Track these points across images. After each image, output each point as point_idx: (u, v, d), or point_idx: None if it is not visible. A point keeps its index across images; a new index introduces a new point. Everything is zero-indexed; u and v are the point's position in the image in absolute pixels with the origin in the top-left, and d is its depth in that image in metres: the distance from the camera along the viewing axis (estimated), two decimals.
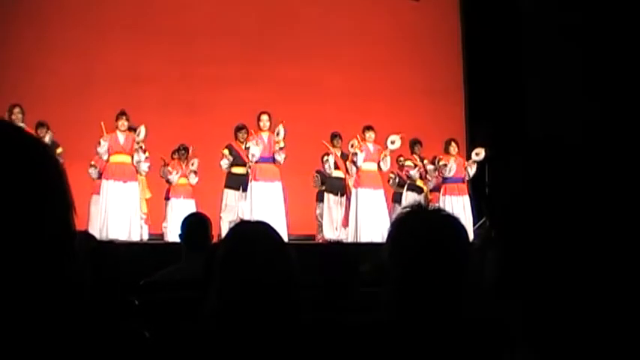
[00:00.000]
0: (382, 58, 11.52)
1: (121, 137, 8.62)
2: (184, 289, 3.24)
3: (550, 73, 9.97)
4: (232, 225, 2.01)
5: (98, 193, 8.90)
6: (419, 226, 1.64)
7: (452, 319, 1.56)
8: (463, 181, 9.58)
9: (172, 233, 8.51)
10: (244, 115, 10.18)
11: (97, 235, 8.01)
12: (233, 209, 8.89)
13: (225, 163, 9.05)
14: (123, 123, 8.58)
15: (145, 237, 8.94)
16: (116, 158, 8.57)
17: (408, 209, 1.72)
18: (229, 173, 9.17)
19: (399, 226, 1.67)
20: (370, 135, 9.18)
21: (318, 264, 2.91)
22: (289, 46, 11.07)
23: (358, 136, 9.21)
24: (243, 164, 8.94)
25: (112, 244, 6.16)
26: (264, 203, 8.44)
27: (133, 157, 8.57)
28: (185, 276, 3.70)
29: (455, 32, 12.13)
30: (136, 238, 8.44)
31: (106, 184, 8.50)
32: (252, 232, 1.85)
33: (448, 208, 8.88)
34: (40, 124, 8.47)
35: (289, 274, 1.75)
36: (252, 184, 8.64)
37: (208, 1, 11.00)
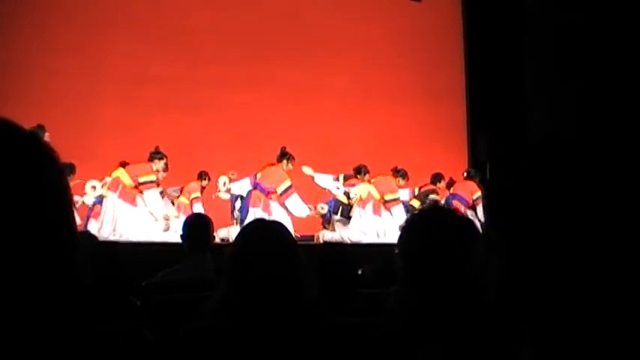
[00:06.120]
0: (384, 60, 11.51)
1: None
2: (186, 290, 3.25)
3: (552, 73, 9.96)
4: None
5: (96, 218, 8.73)
6: (428, 227, 1.64)
7: (456, 317, 1.56)
8: (468, 206, 9.31)
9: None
10: (246, 116, 10.21)
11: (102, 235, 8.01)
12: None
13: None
14: (163, 166, 8.54)
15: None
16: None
17: (422, 208, 1.72)
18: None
19: (410, 226, 1.68)
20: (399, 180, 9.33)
21: (318, 264, 2.92)
22: (291, 48, 11.06)
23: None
24: None
25: (114, 244, 6.16)
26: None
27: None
28: (187, 276, 3.70)
29: (457, 34, 12.11)
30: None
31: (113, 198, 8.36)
32: (262, 230, 1.85)
33: None
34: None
35: (297, 273, 1.75)
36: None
37: (211, 2, 10.99)
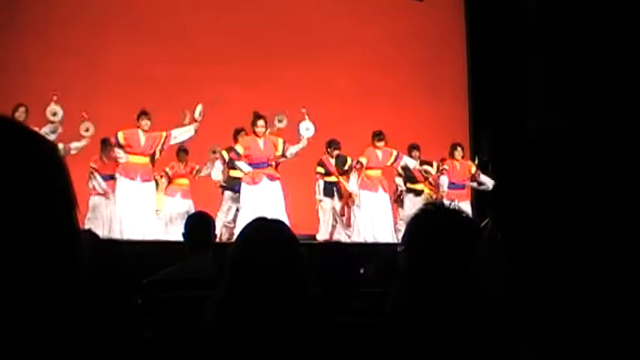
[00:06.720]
0: (386, 59, 11.49)
1: (142, 138, 8.49)
2: (187, 288, 3.25)
3: (554, 71, 9.95)
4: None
5: (99, 194, 8.81)
6: (432, 225, 1.64)
7: (457, 316, 1.56)
8: (464, 187, 9.59)
9: (171, 234, 8.49)
10: (247, 116, 10.19)
11: (105, 234, 7.98)
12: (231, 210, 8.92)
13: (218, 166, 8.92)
14: (146, 123, 8.48)
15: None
16: (134, 159, 8.46)
17: (425, 207, 1.72)
18: (228, 176, 9.14)
19: (414, 225, 1.68)
20: (380, 143, 9.31)
21: (319, 264, 2.91)
22: (293, 47, 11.05)
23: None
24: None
25: (115, 242, 6.16)
26: (263, 205, 8.31)
27: (151, 158, 8.55)
28: (188, 275, 3.70)
29: (459, 33, 12.10)
30: (152, 237, 8.32)
31: (122, 183, 8.33)
32: (264, 230, 1.84)
33: None
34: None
35: (299, 273, 1.75)
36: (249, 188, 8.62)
37: (211, 2, 10.99)
